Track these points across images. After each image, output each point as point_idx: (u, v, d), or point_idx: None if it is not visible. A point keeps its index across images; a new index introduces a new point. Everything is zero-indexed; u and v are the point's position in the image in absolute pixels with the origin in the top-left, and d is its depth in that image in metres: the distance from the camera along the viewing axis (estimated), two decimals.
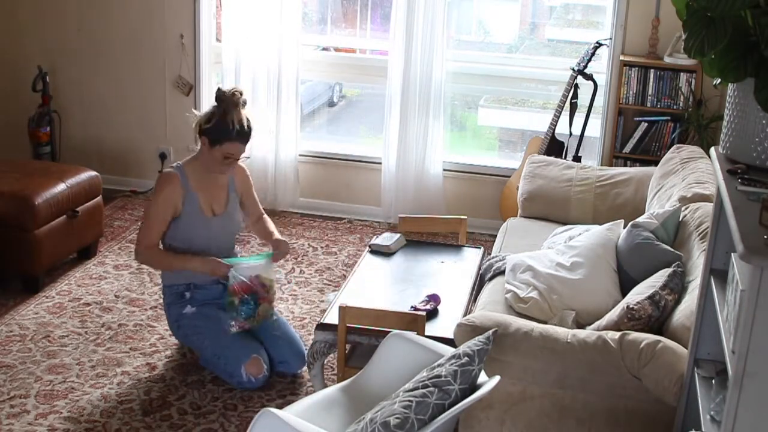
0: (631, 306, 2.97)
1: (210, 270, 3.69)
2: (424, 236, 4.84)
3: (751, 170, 2.22)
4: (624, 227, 3.60)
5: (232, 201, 3.88)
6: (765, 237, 1.86)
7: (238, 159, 3.75)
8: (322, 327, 3.36)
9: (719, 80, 2.27)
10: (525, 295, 3.44)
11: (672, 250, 3.30)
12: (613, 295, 3.35)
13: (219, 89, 3.70)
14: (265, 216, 4.03)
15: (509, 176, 5.37)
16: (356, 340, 3.32)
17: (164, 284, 3.88)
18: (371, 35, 6.08)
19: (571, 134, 5.26)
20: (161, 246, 3.80)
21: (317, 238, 5.36)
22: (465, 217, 4.36)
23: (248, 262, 3.75)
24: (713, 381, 2.29)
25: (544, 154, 5.03)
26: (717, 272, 2.38)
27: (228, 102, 3.64)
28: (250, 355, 3.63)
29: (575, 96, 5.13)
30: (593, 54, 5.06)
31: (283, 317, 3.98)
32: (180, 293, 3.81)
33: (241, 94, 3.68)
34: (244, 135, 3.67)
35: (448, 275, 3.84)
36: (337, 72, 6.09)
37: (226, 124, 3.62)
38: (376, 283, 3.77)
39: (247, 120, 3.68)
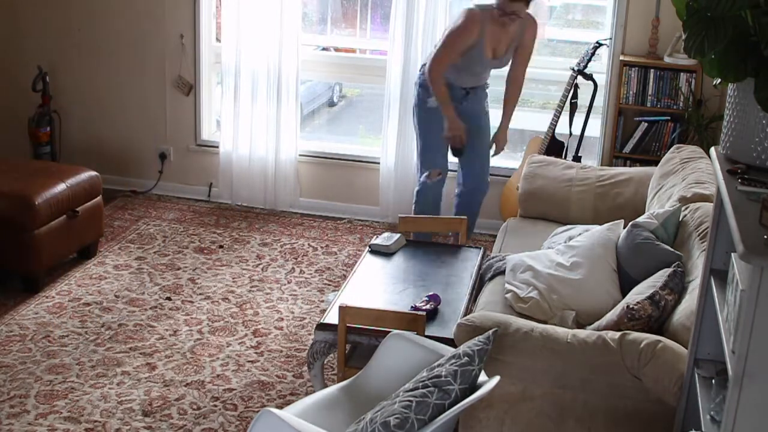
0: (631, 306, 2.97)
1: (453, 131, 4.67)
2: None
3: (751, 170, 2.22)
4: (624, 227, 3.60)
5: (510, 50, 4.68)
6: (765, 237, 1.86)
7: (522, 17, 4.51)
8: (322, 327, 3.36)
9: (719, 80, 2.27)
10: (525, 295, 3.44)
11: (672, 250, 3.30)
12: (613, 295, 3.35)
13: None
14: (521, 85, 4.88)
15: (509, 176, 5.37)
16: (356, 340, 3.32)
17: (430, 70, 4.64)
18: (371, 35, 6.08)
19: (571, 134, 5.26)
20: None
21: (317, 238, 5.36)
22: (465, 217, 4.36)
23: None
24: (713, 381, 2.29)
25: (544, 154, 5.03)
26: (717, 272, 2.38)
27: None
28: (437, 166, 4.81)
29: (575, 96, 5.12)
30: (593, 54, 5.06)
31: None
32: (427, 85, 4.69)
33: None
34: None
35: (448, 275, 3.84)
36: (337, 72, 6.09)
37: None
38: (376, 283, 3.77)
39: None
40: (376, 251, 4.01)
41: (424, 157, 4.85)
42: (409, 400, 2.35)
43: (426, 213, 4.80)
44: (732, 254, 2.11)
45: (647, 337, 2.72)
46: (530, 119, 6.05)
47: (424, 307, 3.42)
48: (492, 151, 4.90)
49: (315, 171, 5.78)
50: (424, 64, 4.73)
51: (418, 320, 3.17)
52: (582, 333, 2.84)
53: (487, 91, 4.87)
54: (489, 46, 4.59)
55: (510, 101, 4.89)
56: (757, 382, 1.90)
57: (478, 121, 4.83)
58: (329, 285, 4.71)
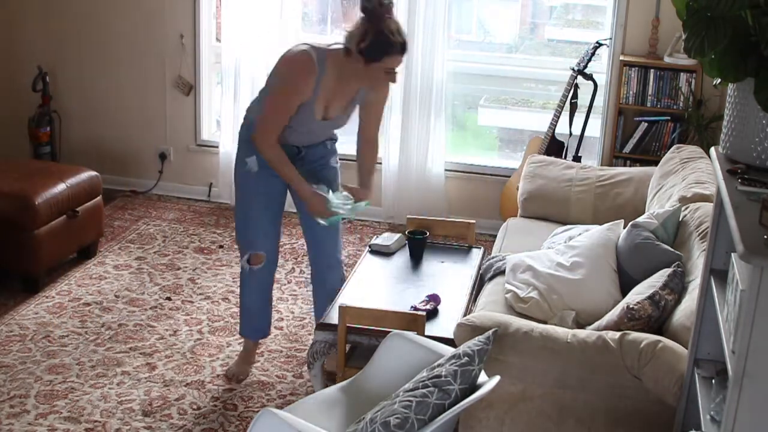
0: (631, 306, 2.97)
1: (312, 206, 3.51)
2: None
3: (751, 170, 2.22)
4: (624, 227, 3.60)
5: (350, 109, 3.59)
6: (765, 237, 1.86)
7: (397, 71, 3.38)
8: (322, 327, 3.36)
9: (719, 80, 2.27)
10: (525, 295, 3.44)
11: (672, 250, 3.30)
12: (613, 295, 3.35)
13: (362, 2, 3.27)
14: (377, 144, 3.75)
15: (509, 176, 5.37)
16: (356, 340, 3.32)
17: (248, 117, 3.60)
18: None
19: (571, 134, 5.26)
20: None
21: None
22: (473, 221, 4.32)
23: (340, 205, 3.55)
24: (713, 381, 2.29)
25: (544, 154, 5.03)
26: (717, 272, 2.38)
27: (378, 14, 3.25)
28: (258, 250, 3.68)
29: (575, 96, 5.12)
30: (593, 54, 5.06)
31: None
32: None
33: (389, 1, 3.28)
34: (404, 45, 3.30)
35: (448, 275, 3.84)
36: None
37: (384, 38, 3.25)
38: (376, 283, 3.77)
39: (399, 26, 3.32)
40: (376, 251, 4.01)
41: (241, 236, 3.73)
42: (409, 400, 2.35)
43: (253, 309, 3.80)
44: (732, 254, 2.11)
45: (647, 337, 2.72)
46: (530, 119, 6.05)
47: (423, 307, 3.42)
48: (348, 205, 3.59)
49: None
50: (247, 117, 3.64)
51: (418, 320, 3.17)
52: (582, 333, 2.84)
53: (333, 146, 3.77)
54: (324, 106, 3.49)
55: (366, 163, 3.74)
56: (757, 382, 1.90)
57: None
58: None
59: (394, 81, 3.43)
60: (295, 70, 3.39)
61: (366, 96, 3.58)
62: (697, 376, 2.42)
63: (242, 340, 4.04)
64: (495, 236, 4.43)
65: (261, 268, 3.72)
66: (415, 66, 5.31)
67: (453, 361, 2.48)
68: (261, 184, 3.62)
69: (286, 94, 3.41)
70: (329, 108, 3.51)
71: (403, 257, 3.95)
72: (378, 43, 3.26)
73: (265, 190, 3.64)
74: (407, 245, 4.00)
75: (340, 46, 3.38)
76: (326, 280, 3.80)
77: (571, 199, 4.39)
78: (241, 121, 3.71)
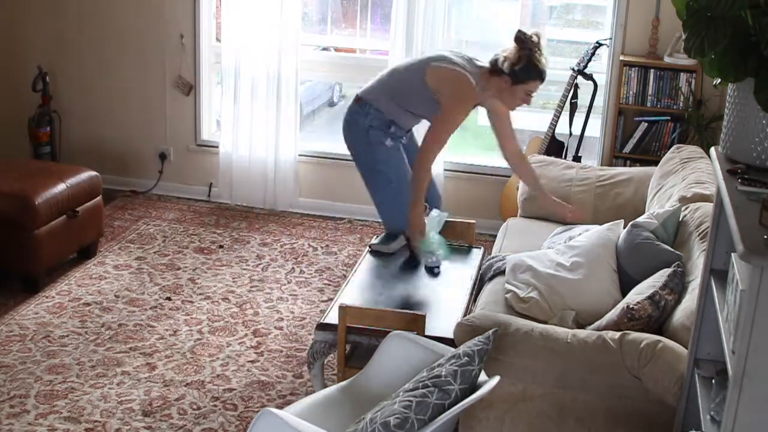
0: (631, 306, 2.97)
1: (415, 228, 3.93)
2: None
3: (751, 170, 2.22)
4: (624, 227, 3.60)
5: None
6: (765, 237, 1.86)
7: (533, 96, 3.99)
8: (322, 327, 3.36)
9: (719, 80, 2.27)
10: (525, 295, 3.44)
11: (672, 250, 3.30)
12: (613, 295, 3.35)
13: (520, 31, 3.87)
14: (523, 155, 4.37)
15: (509, 176, 5.37)
16: (356, 340, 3.32)
17: (374, 106, 4.05)
18: (371, 35, 6.08)
19: (571, 134, 5.26)
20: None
21: (317, 238, 5.36)
22: (473, 221, 4.33)
23: (434, 245, 3.93)
24: (713, 381, 2.29)
25: (544, 154, 5.03)
26: (717, 272, 2.38)
27: (532, 44, 3.84)
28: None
29: (575, 96, 5.13)
30: (593, 54, 5.06)
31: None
32: (387, 123, 4.05)
33: (538, 37, 3.88)
34: (544, 73, 3.92)
35: (448, 275, 3.84)
36: (337, 72, 6.09)
37: (533, 65, 3.85)
38: (376, 283, 3.77)
39: (544, 57, 3.91)
40: (376, 251, 4.01)
41: (403, 208, 4.02)
42: (409, 400, 2.35)
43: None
44: (732, 254, 2.11)
45: (647, 337, 2.72)
46: (530, 119, 6.05)
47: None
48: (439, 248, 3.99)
49: (315, 171, 5.78)
50: (364, 100, 4.08)
51: (418, 320, 3.17)
52: (582, 333, 2.84)
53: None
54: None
55: (531, 177, 4.34)
56: (757, 382, 1.90)
57: (415, 149, 4.18)
58: (329, 285, 4.71)
59: (528, 103, 4.01)
60: (464, 93, 3.95)
61: (495, 107, 4.13)
62: (697, 376, 2.42)
63: (242, 340, 4.04)
64: (495, 236, 4.43)
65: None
66: None
67: (453, 361, 2.48)
68: (401, 154, 4.14)
69: (456, 116, 3.96)
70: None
71: (403, 257, 3.95)
72: (528, 67, 3.85)
73: (403, 155, 4.16)
74: (407, 245, 4.00)
75: (482, 64, 4.01)
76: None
77: (571, 199, 4.40)
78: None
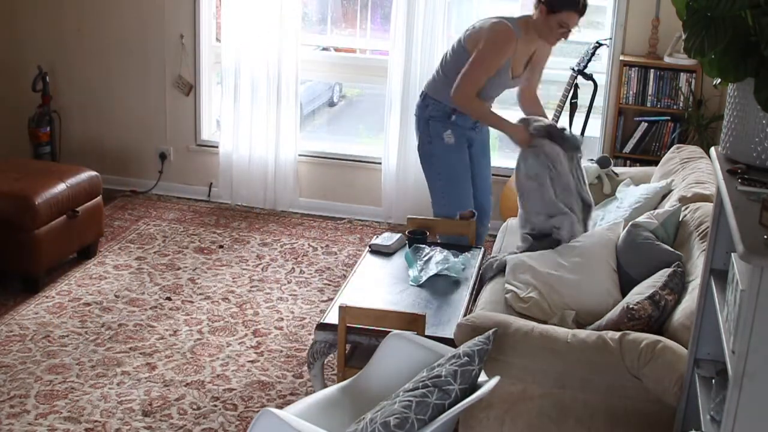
0: (631, 306, 2.97)
1: (520, 139, 3.89)
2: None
3: (751, 170, 2.22)
4: (624, 227, 3.60)
5: (527, 67, 4.13)
6: (765, 237, 1.86)
7: (571, 30, 3.89)
8: (322, 327, 3.35)
9: (719, 80, 2.27)
10: (525, 295, 3.43)
11: (672, 250, 3.30)
12: (613, 295, 3.35)
13: None
14: (539, 101, 4.28)
15: (509, 176, 5.36)
16: (356, 340, 3.32)
17: (434, 97, 4.13)
18: (371, 35, 6.07)
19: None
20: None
21: (317, 238, 5.36)
22: (474, 220, 4.32)
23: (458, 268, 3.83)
24: (713, 381, 2.29)
25: None
26: (717, 272, 2.38)
27: None
28: (469, 207, 4.23)
29: (575, 96, 5.12)
30: (593, 54, 5.06)
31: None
32: (448, 113, 4.11)
33: None
34: (583, 6, 3.83)
35: (449, 275, 3.84)
36: (337, 72, 6.09)
37: None
38: (376, 283, 3.77)
39: None
40: (376, 251, 4.01)
41: (450, 200, 4.24)
42: (409, 400, 2.35)
43: None
44: (732, 254, 2.11)
45: (647, 337, 2.72)
46: None
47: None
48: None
49: (315, 171, 5.78)
50: (425, 93, 4.23)
51: (418, 320, 3.17)
52: (582, 333, 2.84)
53: None
54: (516, 64, 4.09)
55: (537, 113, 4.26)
56: (757, 382, 1.90)
57: (485, 148, 4.42)
58: (329, 285, 4.71)
59: (566, 37, 3.92)
60: (500, 36, 3.93)
61: (537, 53, 4.12)
62: (697, 376, 2.42)
63: (242, 340, 4.05)
64: (495, 236, 4.43)
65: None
66: (414, 65, 5.31)
67: (453, 361, 2.48)
68: (462, 153, 4.20)
69: (491, 56, 3.93)
70: (516, 67, 4.07)
71: (403, 257, 3.95)
72: None
73: (465, 156, 4.21)
74: (407, 245, 4.00)
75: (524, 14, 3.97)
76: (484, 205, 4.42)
77: None
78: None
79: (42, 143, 5.70)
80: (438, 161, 4.21)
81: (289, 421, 2.36)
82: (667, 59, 4.97)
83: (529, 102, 4.27)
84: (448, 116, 4.14)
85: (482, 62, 3.93)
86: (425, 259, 3.81)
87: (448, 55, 4.20)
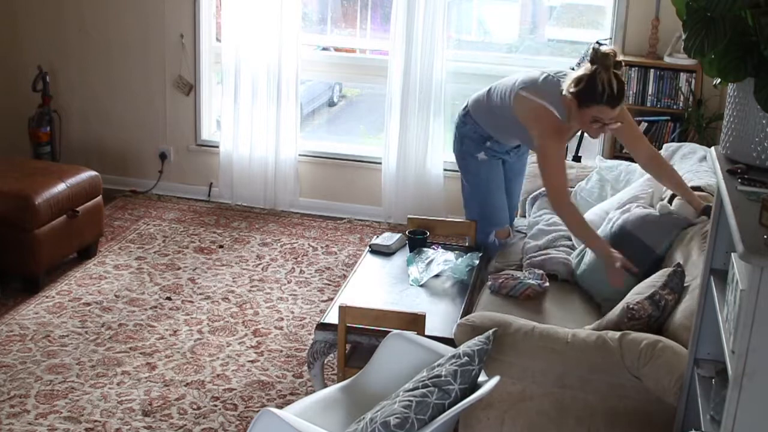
0: (631, 306, 2.97)
1: (608, 261, 3.40)
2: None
3: (751, 170, 2.22)
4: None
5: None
6: (765, 237, 1.86)
7: (608, 123, 3.49)
8: (322, 327, 3.36)
9: (719, 80, 2.27)
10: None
11: (684, 216, 3.38)
12: None
13: (595, 47, 3.49)
14: (659, 155, 3.81)
15: None
16: (356, 340, 3.32)
17: (474, 118, 3.96)
18: (371, 35, 6.07)
19: None
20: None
21: (317, 238, 5.36)
22: (475, 220, 4.31)
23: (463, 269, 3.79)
24: (713, 381, 2.29)
25: None
26: (717, 272, 2.38)
27: (599, 63, 3.40)
28: (504, 225, 4.10)
29: None
30: None
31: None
32: (484, 137, 3.97)
33: (615, 55, 3.43)
34: (613, 99, 3.41)
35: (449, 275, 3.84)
36: (337, 72, 6.09)
37: (594, 86, 3.39)
38: (376, 283, 3.77)
39: (619, 83, 3.40)
40: (376, 251, 4.01)
41: (485, 217, 4.10)
42: (409, 400, 2.35)
43: None
44: (732, 254, 2.11)
45: (647, 337, 2.72)
46: None
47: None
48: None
49: (315, 171, 5.78)
50: (468, 110, 4.01)
51: (418, 320, 3.17)
52: (582, 333, 2.84)
53: None
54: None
55: (674, 178, 3.66)
56: (757, 382, 1.90)
57: (522, 169, 4.25)
58: (329, 285, 4.71)
59: (603, 132, 3.64)
60: (552, 134, 3.61)
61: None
62: (697, 376, 2.42)
63: (242, 339, 4.05)
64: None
65: (504, 242, 4.09)
66: (414, 66, 5.31)
67: (453, 361, 2.48)
68: (494, 168, 4.04)
69: (558, 152, 3.66)
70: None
71: (403, 257, 3.95)
72: (587, 89, 3.42)
73: (498, 170, 4.06)
74: (407, 245, 4.00)
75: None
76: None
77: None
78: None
79: (42, 143, 5.70)
80: (470, 176, 4.10)
81: (289, 421, 2.36)
82: (667, 59, 4.96)
83: (650, 162, 3.78)
84: (483, 141, 3.99)
85: (551, 159, 3.63)
86: (427, 261, 3.80)
87: (496, 90, 3.89)
